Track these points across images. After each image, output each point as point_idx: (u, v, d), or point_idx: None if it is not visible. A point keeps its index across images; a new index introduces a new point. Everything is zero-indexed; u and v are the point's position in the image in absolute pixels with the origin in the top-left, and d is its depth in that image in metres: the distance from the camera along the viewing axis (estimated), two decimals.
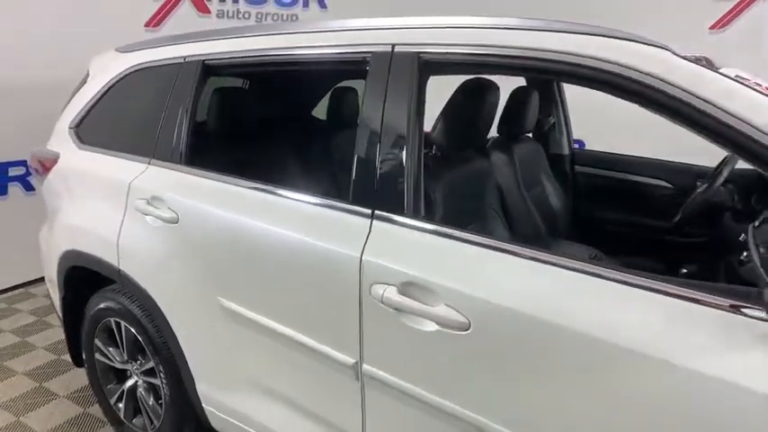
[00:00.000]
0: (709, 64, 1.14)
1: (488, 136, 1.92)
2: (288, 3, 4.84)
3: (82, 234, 2.02)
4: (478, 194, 1.77)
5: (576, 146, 2.76)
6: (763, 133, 0.93)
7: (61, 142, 2.24)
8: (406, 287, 1.20)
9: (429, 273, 1.18)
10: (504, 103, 2.15)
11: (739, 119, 0.95)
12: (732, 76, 1.07)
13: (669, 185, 2.29)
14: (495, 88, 1.68)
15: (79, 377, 2.44)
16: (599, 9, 4.58)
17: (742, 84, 1.05)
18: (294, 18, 4.91)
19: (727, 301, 0.92)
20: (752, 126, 0.94)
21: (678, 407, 0.93)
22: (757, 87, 1.07)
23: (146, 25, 4.14)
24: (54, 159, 2.23)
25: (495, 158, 2.11)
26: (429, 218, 1.33)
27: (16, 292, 3.52)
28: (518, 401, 1.12)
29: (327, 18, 5.17)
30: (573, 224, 2.35)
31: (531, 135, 2.47)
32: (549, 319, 1.04)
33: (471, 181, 1.72)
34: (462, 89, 1.63)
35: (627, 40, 1.10)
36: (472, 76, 1.68)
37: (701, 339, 0.92)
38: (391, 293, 1.21)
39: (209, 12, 4.47)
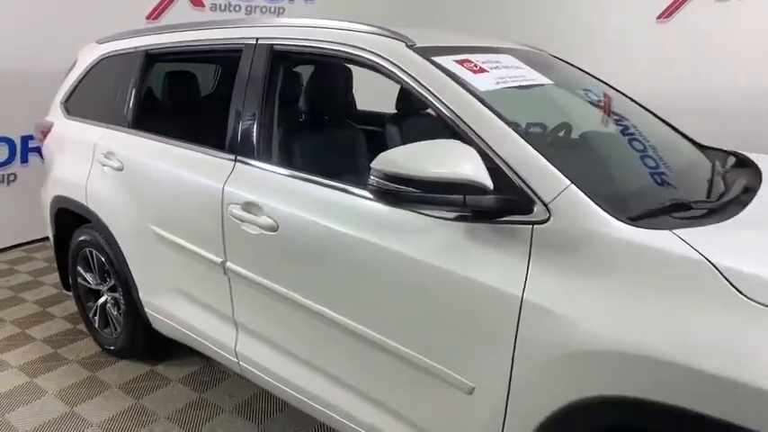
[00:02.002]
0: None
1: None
2: None
3: (64, 182, 2.64)
4: (332, 151, 2.19)
5: None
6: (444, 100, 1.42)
7: (55, 114, 2.87)
8: (247, 205, 1.75)
9: (259, 195, 1.73)
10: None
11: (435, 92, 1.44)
12: (453, 62, 1.55)
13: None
14: (338, 73, 2.16)
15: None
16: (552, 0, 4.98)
17: (466, 68, 1.54)
18: (281, 11, 5.47)
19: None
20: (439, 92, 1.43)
21: (412, 291, 1.40)
22: (474, 69, 1.57)
23: (147, 18, 4.74)
24: (50, 128, 2.87)
25: (388, 130, 2.61)
26: (277, 162, 1.86)
27: (37, 245, 4.22)
28: (315, 281, 1.65)
29: (314, 10, 5.72)
30: None
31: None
32: (326, 224, 1.57)
33: (328, 141, 2.16)
34: (311, 74, 2.14)
35: (379, 35, 1.60)
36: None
37: (436, 242, 1.36)
38: (237, 210, 1.77)
39: (204, 5, 5.06)
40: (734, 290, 1.00)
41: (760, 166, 1.76)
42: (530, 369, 1.20)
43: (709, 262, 1.04)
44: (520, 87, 1.64)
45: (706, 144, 2.15)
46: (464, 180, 1.19)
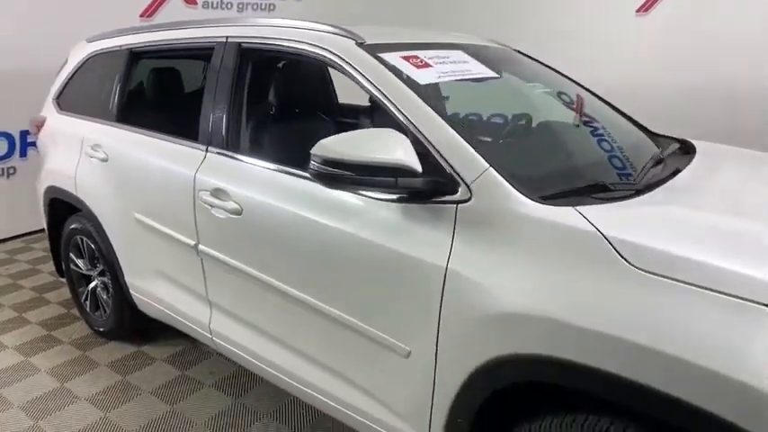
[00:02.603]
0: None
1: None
2: None
3: (56, 173, 2.80)
4: (295, 141, 2.31)
5: None
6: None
7: (48, 110, 3.03)
8: (216, 191, 1.90)
9: (226, 182, 1.88)
10: None
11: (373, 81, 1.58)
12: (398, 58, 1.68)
13: None
14: (304, 69, 2.30)
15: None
16: None
17: (411, 63, 1.68)
18: (272, 7, 5.62)
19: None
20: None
21: (357, 266, 1.55)
22: (418, 64, 1.71)
23: (140, 16, 4.89)
24: (43, 122, 3.02)
25: (361, 121, 2.76)
26: (243, 151, 1.99)
27: (35, 236, 4.39)
28: (273, 260, 1.80)
29: (303, 8, 5.85)
30: None
31: None
32: (283, 207, 1.71)
33: (292, 132, 2.23)
34: (279, 70, 2.28)
35: (332, 33, 1.74)
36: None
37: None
38: (207, 196, 1.92)
39: (196, 3, 5.20)
40: (620, 258, 1.14)
41: (698, 153, 1.89)
42: (452, 332, 1.34)
43: (600, 233, 1.17)
44: (462, 81, 1.78)
45: (676, 134, 2.26)
46: (395, 164, 1.33)
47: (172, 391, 2.45)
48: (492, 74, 1.92)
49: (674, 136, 2.27)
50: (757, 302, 1.00)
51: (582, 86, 2.36)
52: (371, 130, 1.39)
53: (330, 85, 2.87)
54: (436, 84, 1.63)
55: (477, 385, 1.32)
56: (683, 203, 1.38)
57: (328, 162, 1.35)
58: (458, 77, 1.76)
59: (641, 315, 1.09)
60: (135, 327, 2.77)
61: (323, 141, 1.37)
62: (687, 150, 2.00)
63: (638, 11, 4.78)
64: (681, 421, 1.06)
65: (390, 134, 1.38)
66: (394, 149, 1.34)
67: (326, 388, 1.73)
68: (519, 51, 2.45)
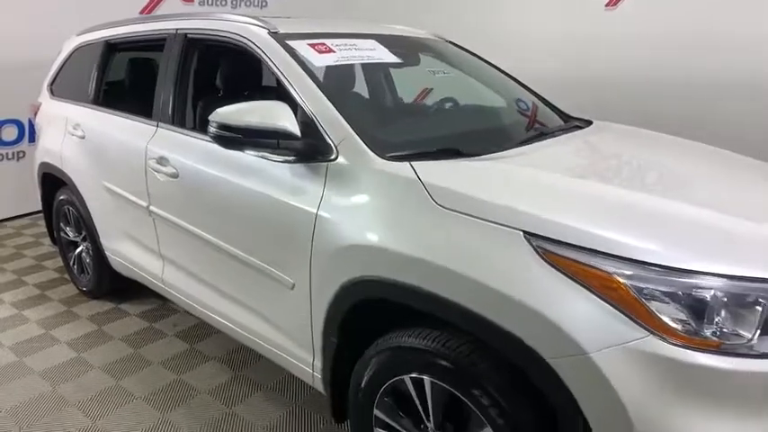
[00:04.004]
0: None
1: None
2: None
3: (47, 150, 3.20)
4: None
5: None
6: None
7: (43, 95, 3.43)
8: (160, 159, 2.26)
9: (167, 150, 2.23)
10: None
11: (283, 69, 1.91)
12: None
13: None
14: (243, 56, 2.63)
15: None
16: None
17: (315, 50, 2.00)
18: (264, 4, 5.97)
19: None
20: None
21: (254, 213, 1.88)
22: (324, 50, 2.02)
23: (141, 12, 5.28)
24: (39, 107, 3.43)
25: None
26: (181, 125, 2.31)
27: (41, 214, 4.81)
28: (200, 213, 2.14)
29: (293, 1, 6.18)
30: None
31: None
32: (205, 169, 2.05)
33: None
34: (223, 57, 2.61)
35: (252, 24, 2.07)
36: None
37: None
38: (153, 163, 2.28)
39: (193, 0, 5.58)
40: (431, 198, 1.44)
41: (585, 130, 2.18)
42: (320, 264, 1.66)
43: (420, 180, 1.48)
44: (363, 64, 2.09)
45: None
46: (276, 128, 1.65)
47: (139, 338, 2.82)
48: (395, 59, 2.23)
49: (587, 118, 2.55)
50: (514, 228, 1.30)
51: (504, 72, 2.66)
52: (261, 101, 1.71)
53: (259, 70, 3.17)
54: (329, 66, 1.96)
55: (339, 305, 1.63)
56: (510, 162, 1.66)
57: (223, 126, 1.68)
58: (358, 61, 2.07)
59: (440, 241, 1.39)
60: (113, 286, 3.15)
61: (219, 110, 1.70)
62: (581, 127, 2.28)
63: (606, 6, 4.99)
64: (470, 326, 1.36)
65: (275, 105, 1.70)
66: (277, 117, 1.66)
67: (242, 321, 2.07)
68: (452, 42, 2.75)
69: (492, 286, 1.29)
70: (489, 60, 2.78)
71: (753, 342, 1.18)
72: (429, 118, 2.06)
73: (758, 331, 1.18)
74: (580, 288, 1.21)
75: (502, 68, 2.76)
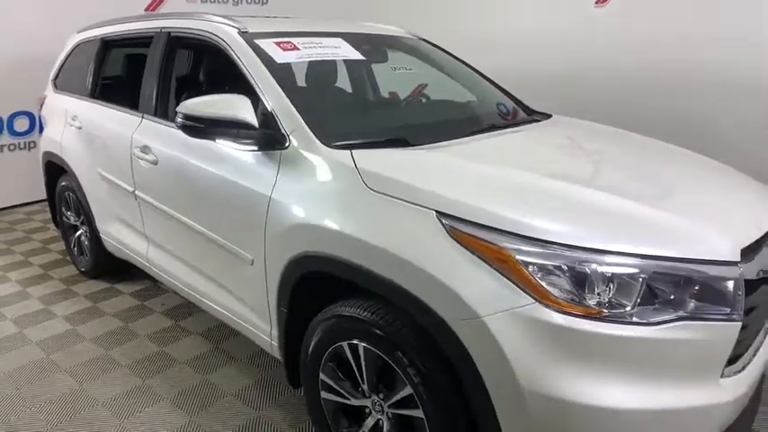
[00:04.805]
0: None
1: None
2: None
3: (50, 140, 3.44)
4: None
5: None
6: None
7: (48, 89, 3.67)
8: (143, 148, 2.46)
9: (149, 140, 2.44)
10: None
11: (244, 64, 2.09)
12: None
13: None
14: (214, 53, 2.82)
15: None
16: None
17: (280, 48, 2.18)
18: (264, 2, 6.17)
19: None
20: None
21: (220, 196, 2.08)
22: (288, 47, 2.20)
23: (145, 10, 5.51)
24: (44, 99, 3.67)
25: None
26: (163, 117, 2.51)
27: None
28: (175, 196, 2.34)
29: (291, 5, 6.37)
30: None
31: None
32: (179, 156, 2.25)
33: None
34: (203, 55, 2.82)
35: (223, 24, 2.25)
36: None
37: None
38: (138, 151, 2.49)
39: None
40: (362, 182, 1.62)
41: (542, 125, 2.34)
42: (272, 242, 1.85)
43: (356, 166, 1.65)
44: (323, 60, 2.27)
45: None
46: (235, 119, 1.83)
47: (129, 314, 3.04)
48: (359, 56, 2.40)
49: (547, 112, 2.70)
50: (428, 207, 1.47)
51: (474, 69, 2.82)
52: (224, 95, 1.90)
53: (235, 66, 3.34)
54: (291, 62, 2.15)
55: (288, 278, 1.82)
56: (445, 151, 1.82)
57: (188, 117, 1.87)
58: (319, 58, 2.25)
59: (368, 219, 1.57)
60: (108, 267, 3.38)
61: (185, 102, 1.88)
62: (539, 121, 2.44)
63: (596, 3, 5.08)
64: (391, 296, 1.53)
65: (236, 98, 1.88)
66: (237, 109, 1.85)
67: (213, 295, 2.27)
68: (425, 40, 2.92)
69: (408, 259, 1.46)
70: (467, 58, 2.93)
71: (633, 311, 1.33)
72: (388, 111, 2.23)
73: (638, 300, 1.33)
74: (479, 261, 1.38)
75: (473, 65, 2.91)
